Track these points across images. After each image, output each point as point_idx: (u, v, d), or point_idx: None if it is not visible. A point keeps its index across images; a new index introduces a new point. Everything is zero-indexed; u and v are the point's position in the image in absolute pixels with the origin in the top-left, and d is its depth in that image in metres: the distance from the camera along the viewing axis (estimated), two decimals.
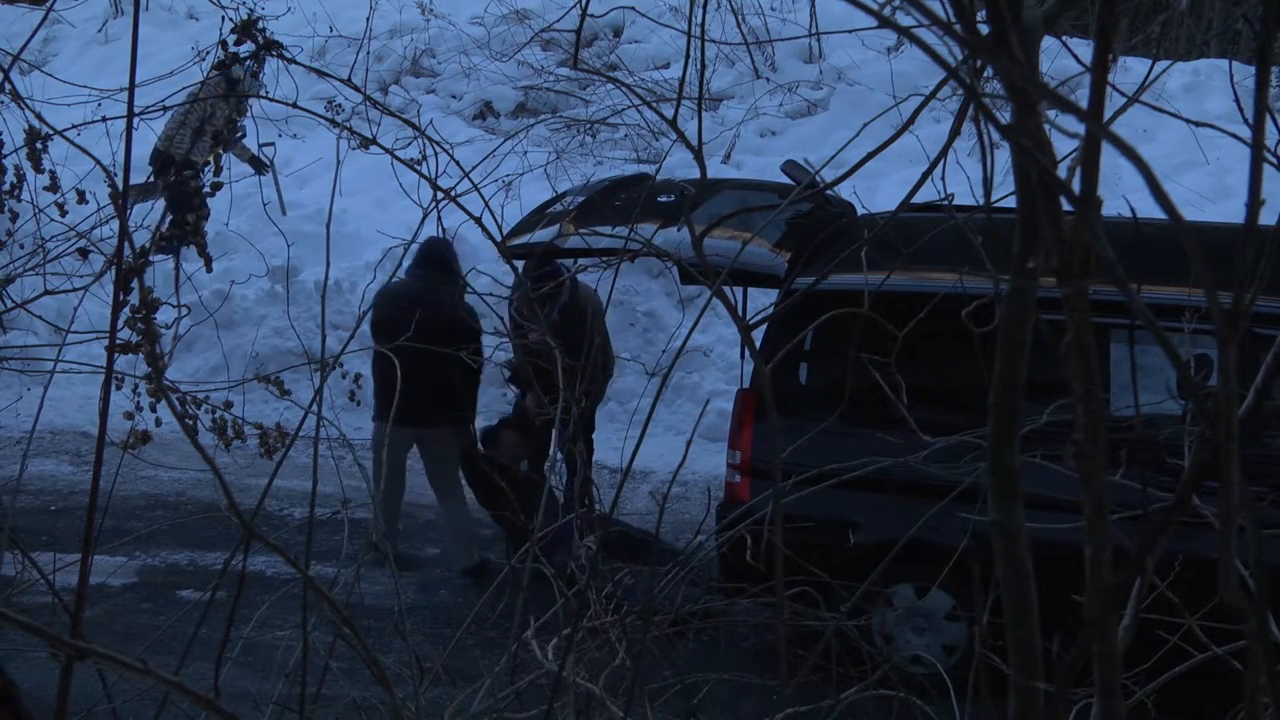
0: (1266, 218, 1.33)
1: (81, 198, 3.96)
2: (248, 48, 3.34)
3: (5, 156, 3.65)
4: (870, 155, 2.26)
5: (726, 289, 2.52)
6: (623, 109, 12.38)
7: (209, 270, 5.80)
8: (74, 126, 3.12)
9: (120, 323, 2.14)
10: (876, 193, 9.21)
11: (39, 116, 3.06)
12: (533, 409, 7.70)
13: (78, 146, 2.65)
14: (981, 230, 1.98)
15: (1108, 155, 1.16)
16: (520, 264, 7.36)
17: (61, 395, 9.38)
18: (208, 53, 9.31)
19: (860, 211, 6.87)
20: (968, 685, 2.38)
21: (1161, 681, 2.25)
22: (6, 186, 3.83)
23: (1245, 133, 1.33)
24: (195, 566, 7.53)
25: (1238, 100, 2.08)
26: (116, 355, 2.16)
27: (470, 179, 3.28)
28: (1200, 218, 7.41)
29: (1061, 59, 2.80)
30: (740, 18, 13.19)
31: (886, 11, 1.29)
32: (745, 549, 2.92)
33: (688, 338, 2.98)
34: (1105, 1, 1.21)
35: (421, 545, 8.02)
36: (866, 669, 3.06)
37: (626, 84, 3.70)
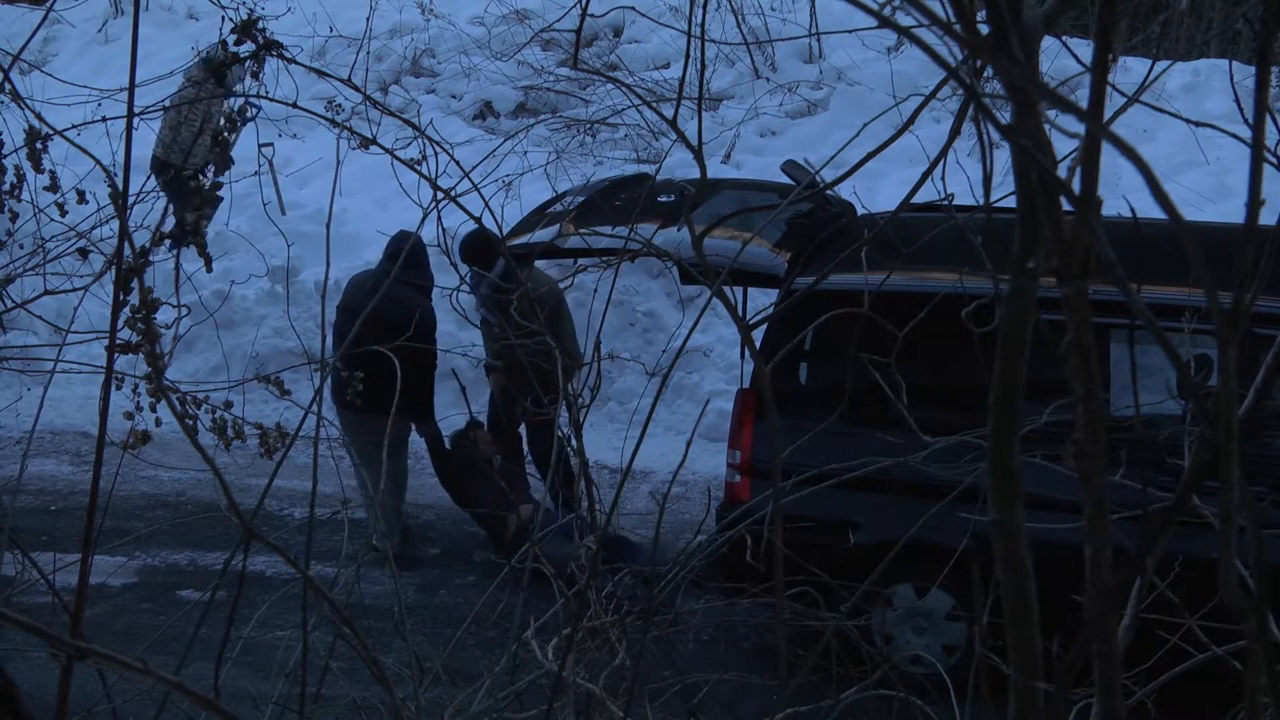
0: (1266, 218, 1.33)
1: (81, 198, 3.95)
2: (248, 48, 3.34)
3: (5, 156, 3.65)
4: (870, 155, 2.26)
5: (726, 289, 2.52)
6: (623, 109, 12.38)
7: (209, 270, 5.79)
8: (74, 126, 3.11)
9: (120, 323, 2.14)
10: (876, 193, 9.21)
11: (39, 116, 3.05)
12: (500, 400, 7.78)
13: (78, 146, 2.65)
14: (981, 230, 1.98)
15: (1108, 155, 1.16)
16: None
17: (61, 395, 9.37)
18: (207, 52, 9.30)
19: (860, 211, 6.87)
20: (968, 685, 2.38)
21: (1161, 681, 2.25)
22: (6, 186, 3.82)
23: (1245, 133, 1.33)
24: (195, 566, 7.53)
25: (1238, 100, 2.08)
26: (116, 355, 2.16)
27: (470, 179, 3.29)
28: (1200, 218, 7.42)
29: (1061, 59, 2.80)
30: (740, 18, 13.19)
31: (886, 11, 1.29)
32: (745, 549, 2.92)
33: (688, 338, 2.97)
34: (1105, 1, 1.21)
35: (421, 545, 8.03)
36: (866, 669, 3.06)
37: (626, 84, 3.70)
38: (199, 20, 15.33)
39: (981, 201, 1.88)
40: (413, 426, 7.68)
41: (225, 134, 2.91)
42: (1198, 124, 2.58)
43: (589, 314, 8.83)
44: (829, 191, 6.34)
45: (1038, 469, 2.07)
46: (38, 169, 3.21)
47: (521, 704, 2.98)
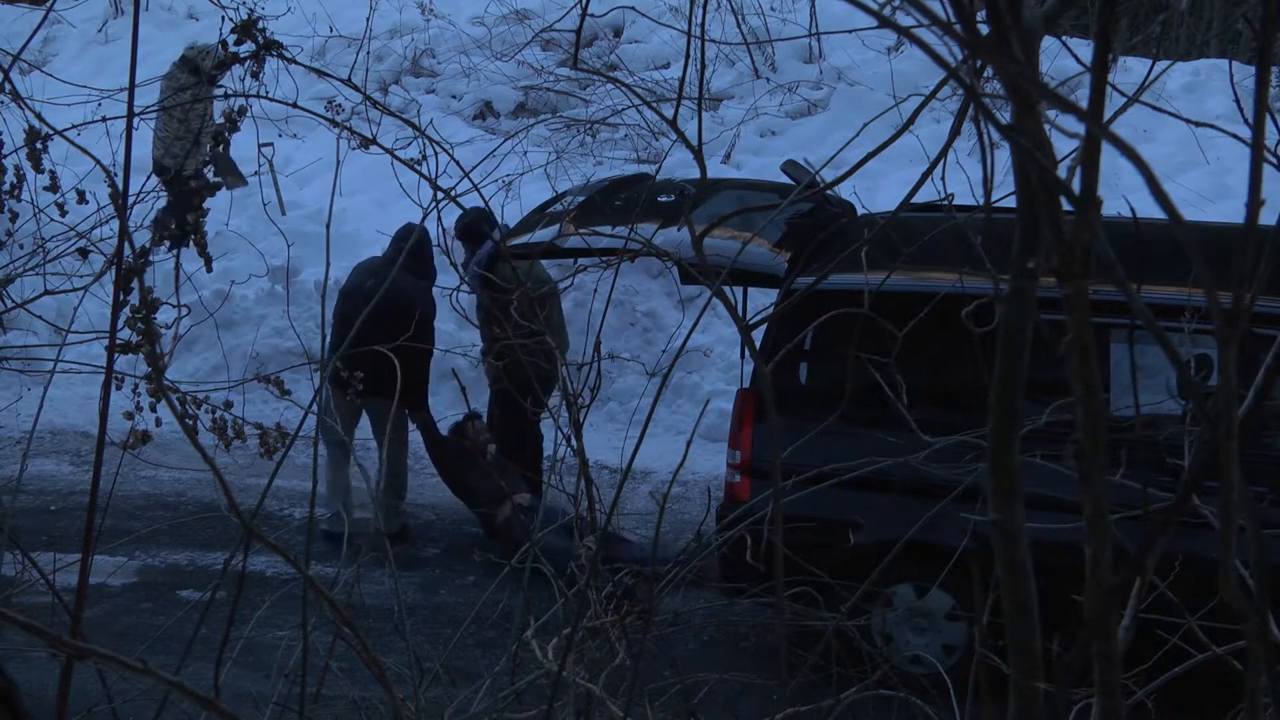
0: (1266, 218, 1.33)
1: (81, 198, 3.95)
2: (248, 48, 3.34)
3: (5, 156, 3.65)
4: (870, 155, 2.26)
5: (726, 289, 2.52)
6: (623, 109, 12.38)
7: (209, 270, 5.80)
8: (74, 126, 3.11)
9: (120, 323, 2.14)
10: (876, 193, 9.22)
11: (39, 116, 3.05)
12: (493, 389, 7.89)
13: (78, 146, 2.65)
14: (981, 230, 1.98)
15: (1108, 155, 1.16)
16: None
17: (61, 395, 9.37)
18: (206, 52, 9.27)
19: (860, 211, 6.87)
20: (968, 685, 2.38)
21: (1161, 681, 2.25)
22: (6, 186, 3.82)
23: (1245, 133, 1.33)
24: (195, 566, 7.53)
25: (1238, 100, 2.08)
26: (116, 355, 2.16)
27: (470, 179, 3.28)
28: (1200, 218, 7.42)
29: (1061, 59, 2.80)
30: (740, 18, 13.18)
31: (886, 11, 1.29)
32: (745, 549, 2.92)
33: (688, 338, 2.97)
34: (1105, 1, 1.21)
35: (422, 545, 8.03)
36: (866, 669, 3.06)
37: (626, 84, 3.70)
38: (199, 20, 15.32)
39: (981, 201, 1.88)
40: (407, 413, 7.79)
41: (224, 133, 2.91)
42: (1198, 124, 2.58)
43: (589, 314, 8.84)
44: (829, 191, 6.35)
45: (1038, 469, 2.07)
46: (38, 169, 3.21)
47: (521, 704, 2.98)
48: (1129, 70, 10.52)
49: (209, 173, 5.69)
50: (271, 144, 11.34)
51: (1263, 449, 5.39)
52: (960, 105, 2.07)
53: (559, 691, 2.56)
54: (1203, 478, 1.36)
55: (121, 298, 2.08)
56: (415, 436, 8.06)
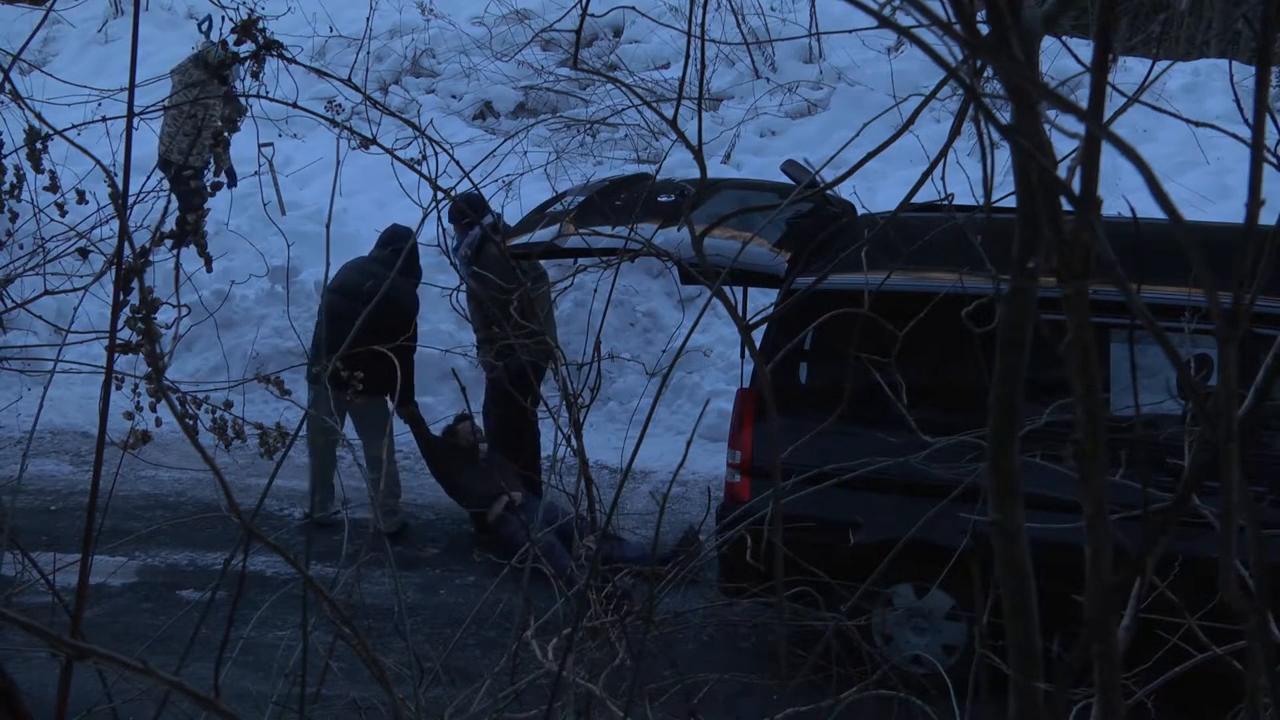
0: (1266, 218, 1.33)
1: (81, 198, 3.95)
2: (248, 48, 3.34)
3: (5, 156, 3.65)
4: (870, 155, 2.26)
5: (726, 289, 2.52)
6: (623, 109, 12.37)
7: (209, 270, 5.78)
8: (74, 126, 3.11)
9: (120, 323, 2.14)
10: (876, 193, 9.22)
11: (39, 116, 3.05)
12: (489, 381, 7.94)
13: (78, 146, 2.65)
14: (981, 230, 1.98)
15: (1108, 155, 1.16)
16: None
17: (61, 395, 9.37)
18: (196, 49, 9.24)
19: (860, 211, 6.88)
20: (968, 685, 2.38)
21: (1161, 681, 2.25)
22: (6, 186, 3.82)
23: (1245, 133, 1.33)
24: (195, 566, 7.53)
25: (1238, 100, 2.08)
26: (116, 355, 2.16)
27: (470, 179, 3.29)
28: (1200, 218, 7.42)
29: (1061, 59, 2.80)
30: (740, 18, 13.18)
31: (886, 11, 1.28)
32: (745, 549, 2.92)
33: (688, 338, 2.97)
34: (1105, 1, 1.21)
35: (421, 545, 8.03)
36: (866, 669, 3.06)
37: (626, 84, 3.69)
38: (199, 20, 15.32)
39: (981, 201, 1.88)
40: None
41: (225, 133, 2.91)
42: (1198, 124, 2.58)
43: (589, 314, 8.84)
44: (829, 191, 6.35)
45: (1038, 469, 2.07)
46: (38, 169, 3.21)
47: (521, 704, 2.98)
48: (1129, 70, 10.52)
49: (209, 172, 5.69)
50: (271, 144, 11.34)
51: (1263, 449, 5.39)
52: (960, 105, 2.07)
53: (559, 691, 2.56)
54: (1203, 478, 1.36)
55: (121, 298, 2.07)
56: (403, 436, 8.08)
